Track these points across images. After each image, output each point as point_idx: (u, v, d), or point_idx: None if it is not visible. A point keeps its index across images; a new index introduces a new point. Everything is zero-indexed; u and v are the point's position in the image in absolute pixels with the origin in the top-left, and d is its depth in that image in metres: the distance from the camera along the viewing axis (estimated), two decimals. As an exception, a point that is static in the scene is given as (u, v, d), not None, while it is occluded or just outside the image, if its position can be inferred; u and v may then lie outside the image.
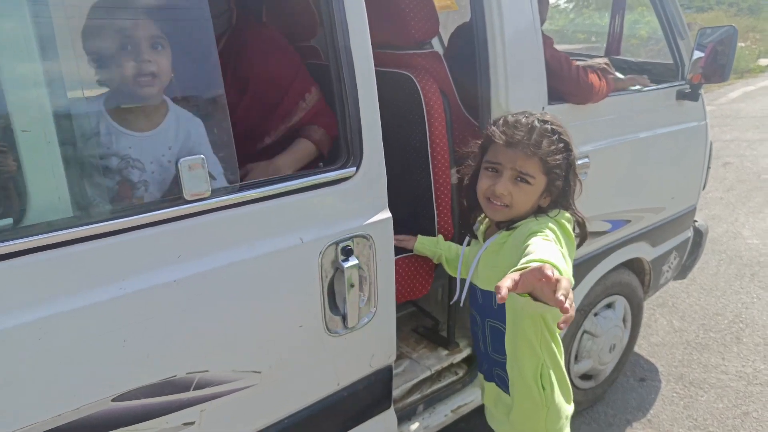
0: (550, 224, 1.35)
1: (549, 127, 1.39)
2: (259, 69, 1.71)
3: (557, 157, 1.37)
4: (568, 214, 1.43)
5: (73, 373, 1.03)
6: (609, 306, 2.60)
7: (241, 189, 1.20)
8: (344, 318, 1.41)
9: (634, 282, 2.65)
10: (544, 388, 1.43)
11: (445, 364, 2.08)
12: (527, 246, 1.22)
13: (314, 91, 1.74)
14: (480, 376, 1.64)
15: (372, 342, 1.50)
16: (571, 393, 1.54)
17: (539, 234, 1.28)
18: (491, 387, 1.58)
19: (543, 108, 1.95)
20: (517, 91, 1.85)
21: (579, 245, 1.46)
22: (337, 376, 1.45)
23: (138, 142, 1.18)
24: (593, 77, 1.97)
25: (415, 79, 1.82)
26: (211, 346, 1.20)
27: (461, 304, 1.59)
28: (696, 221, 2.96)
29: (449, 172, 1.94)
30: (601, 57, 2.60)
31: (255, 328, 1.27)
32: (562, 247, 1.28)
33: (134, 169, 1.15)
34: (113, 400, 1.08)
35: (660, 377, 2.90)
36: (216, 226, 1.18)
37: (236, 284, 1.21)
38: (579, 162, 2.07)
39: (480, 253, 1.47)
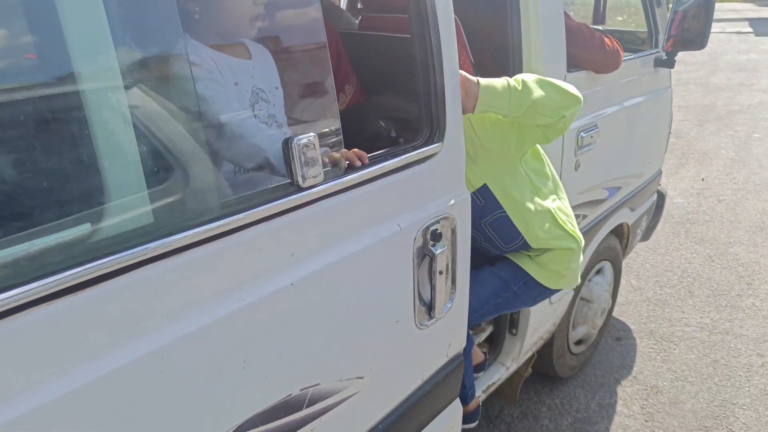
0: None
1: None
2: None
3: None
4: None
5: (197, 406, 0.84)
6: (598, 272, 2.67)
7: (347, 172, 1.03)
8: (430, 308, 1.29)
9: (618, 246, 2.75)
10: (566, 231, 1.54)
11: (464, 344, 2.02)
12: None
13: (350, 83, 1.60)
14: None
15: (451, 330, 1.40)
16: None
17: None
18: None
19: (564, 77, 1.91)
20: (546, 61, 1.80)
21: None
22: (422, 371, 1.34)
23: (254, 69, 1.05)
24: (616, 44, 1.96)
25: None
26: (322, 355, 1.04)
27: None
28: (659, 185, 3.12)
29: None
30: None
31: (360, 329, 1.12)
32: None
33: (263, 102, 1.01)
34: (233, 432, 0.90)
35: (633, 335, 3.06)
36: (327, 216, 1.00)
37: (346, 282, 1.05)
38: (590, 131, 2.09)
39: None
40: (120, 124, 0.79)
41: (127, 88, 0.77)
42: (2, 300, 0.62)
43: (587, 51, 1.91)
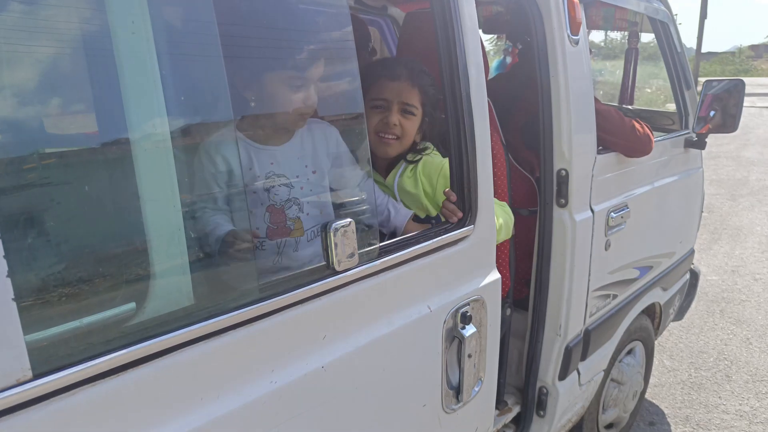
0: (437, 155, 1.54)
1: (422, 67, 1.52)
2: None
3: (431, 91, 1.50)
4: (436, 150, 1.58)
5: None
6: (629, 352, 2.60)
7: (380, 255, 1.06)
8: (458, 391, 1.27)
9: (650, 326, 2.68)
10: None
11: (499, 426, 1.97)
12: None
13: None
14: None
15: (478, 414, 1.37)
16: None
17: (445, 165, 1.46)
18: None
19: (595, 157, 1.94)
20: (577, 142, 1.83)
21: None
22: (447, 457, 1.30)
23: (278, 156, 1.13)
24: (646, 128, 1.99)
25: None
26: (347, 440, 1.03)
27: None
28: (692, 264, 3.06)
29: (509, 223, 1.87)
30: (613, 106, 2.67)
31: (387, 413, 1.11)
32: None
33: (281, 186, 1.08)
34: None
35: (667, 420, 2.93)
36: (359, 298, 1.02)
37: (375, 365, 1.06)
38: (620, 212, 2.09)
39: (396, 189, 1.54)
40: (171, 208, 0.83)
41: (180, 178, 0.82)
42: (45, 383, 0.65)
43: (617, 136, 1.94)
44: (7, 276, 0.62)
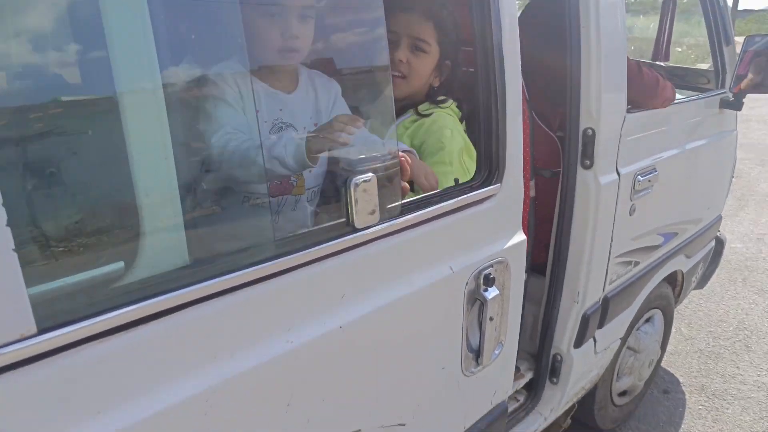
0: (452, 115, 1.38)
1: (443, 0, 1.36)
2: None
3: (450, 27, 1.35)
4: (455, 107, 1.41)
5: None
6: (647, 320, 2.55)
7: (403, 212, 1.00)
8: (478, 355, 1.24)
9: (670, 294, 2.62)
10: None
11: (510, 392, 1.94)
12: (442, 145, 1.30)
13: None
14: None
15: (497, 377, 1.34)
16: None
17: (445, 130, 1.31)
18: None
19: (624, 116, 1.85)
20: (606, 101, 1.74)
21: None
22: (464, 419, 1.28)
23: (287, 102, 1.03)
24: (668, 82, 1.90)
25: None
26: (365, 401, 1.00)
27: None
28: (718, 231, 2.98)
29: (529, 184, 1.80)
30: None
31: (406, 375, 1.08)
32: (463, 135, 1.35)
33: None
34: (270, 480, 0.86)
35: (682, 388, 2.90)
36: (379, 257, 0.98)
37: (394, 326, 1.02)
38: (648, 175, 2.00)
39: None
40: (161, 157, 0.77)
41: (170, 116, 0.76)
42: (50, 338, 0.61)
43: (641, 88, 1.85)
44: (7, 225, 0.57)
